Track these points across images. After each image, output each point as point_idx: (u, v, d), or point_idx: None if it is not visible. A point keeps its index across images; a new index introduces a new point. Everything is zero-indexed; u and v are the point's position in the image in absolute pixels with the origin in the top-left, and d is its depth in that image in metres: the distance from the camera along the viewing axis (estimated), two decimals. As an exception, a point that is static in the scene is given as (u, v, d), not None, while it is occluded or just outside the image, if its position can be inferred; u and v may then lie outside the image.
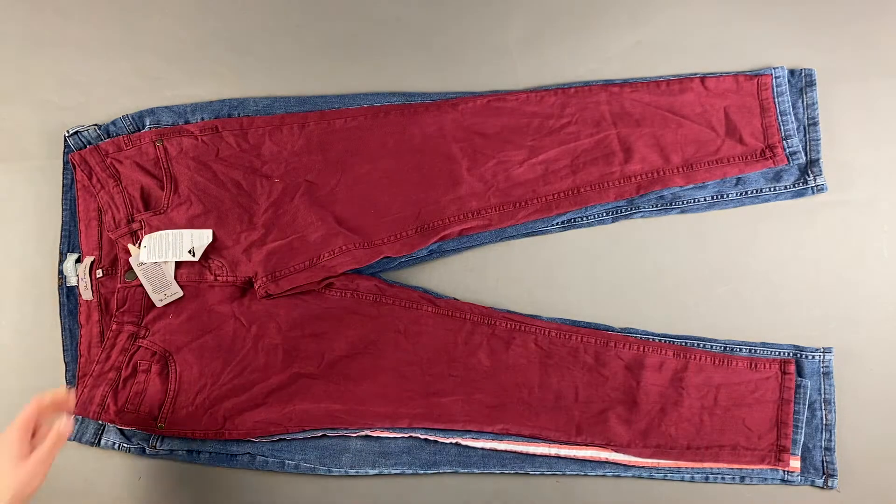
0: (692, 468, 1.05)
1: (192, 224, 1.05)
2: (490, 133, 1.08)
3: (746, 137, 1.06)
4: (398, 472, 1.06)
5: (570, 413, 1.04)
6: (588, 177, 1.07)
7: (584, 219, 1.10)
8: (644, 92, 1.08)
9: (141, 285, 1.05)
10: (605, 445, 1.04)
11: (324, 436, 1.06)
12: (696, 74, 1.08)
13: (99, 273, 1.07)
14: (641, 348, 1.06)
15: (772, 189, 1.08)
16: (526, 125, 1.08)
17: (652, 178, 1.07)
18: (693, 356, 1.05)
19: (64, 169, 1.11)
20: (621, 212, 1.10)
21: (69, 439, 1.07)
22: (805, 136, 1.08)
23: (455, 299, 1.09)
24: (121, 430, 1.08)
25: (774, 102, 1.07)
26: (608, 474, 1.06)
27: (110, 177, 1.06)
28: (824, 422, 1.05)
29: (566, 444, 1.04)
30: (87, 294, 1.06)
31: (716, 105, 1.07)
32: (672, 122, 1.07)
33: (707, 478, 1.05)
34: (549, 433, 1.04)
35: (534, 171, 1.07)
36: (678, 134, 1.07)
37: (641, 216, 1.10)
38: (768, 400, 1.04)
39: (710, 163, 1.06)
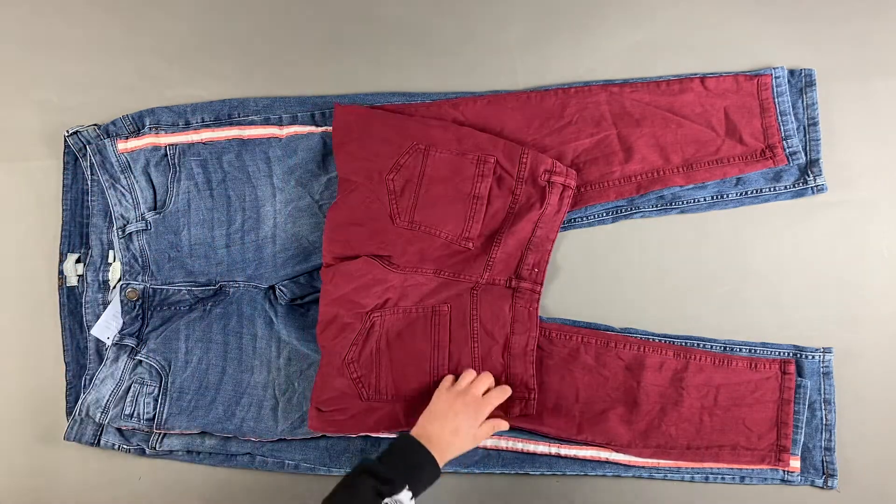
0: (692, 468, 1.05)
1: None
2: (490, 133, 1.08)
3: (746, 137, 1.06)
4: (398, 472, 1.06)
5: (571, 413, 1.04)
6: (588, 177, 1.07)
7: (584, 219, 1.10)
8: (644, 92, 1.08)
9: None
10: (605, 445, 1.04)
11: (324, 436, 1.06)
12: (696, 74, 1.08)
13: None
14: (641, 348, 1.06)
15: (772, 189, 1.08)
16: (526, 126, 1.08)
17: (652, 178, 1.07)
18: (693, 356, 1.05)
19: (64, 169, 1.12)
20: (621, 212, 1.10)
21: (66, 439, 1.08)
22: (805, 136, 1.08)
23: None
24: (120, 431, 1.08)
25: (774, 102, 1.07)
26: (608, 474, 1.05)
27: None
28: (824, 422, 1.05)
29: (567, 442, 1.04)
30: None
31: (716, 105, 1.07)
32: (672, 122, 1.07)
33: (707, 478, 1.05)
34: (550, 432, 1.04)
35: (534, 171, 1.07)
36: (678, 134, 1.07)
37: (641, 216, 1.10)
38: (768, 400, 1.04)
39: (710, 163, 1.06)
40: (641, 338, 1.07)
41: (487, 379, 1.00)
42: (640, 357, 1.05)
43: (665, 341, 1.07)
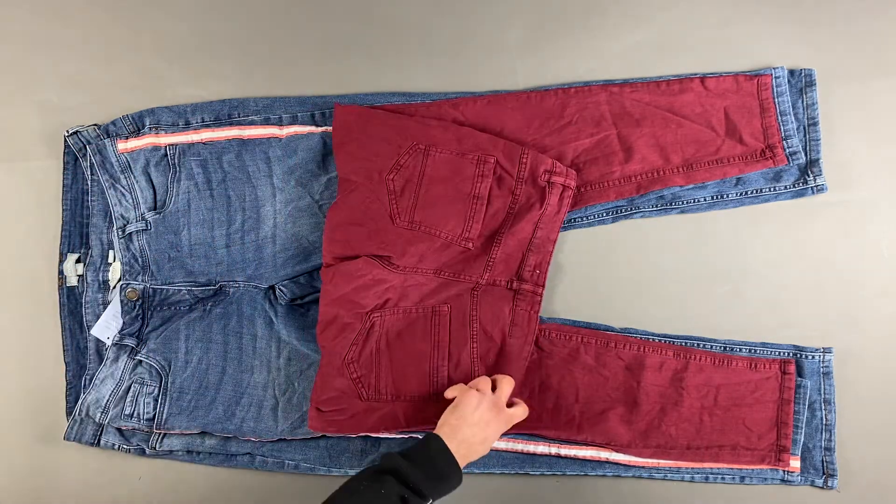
0: (692, 468, 1.05)
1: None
2: (490, 133, 1.08)
3: (746, 137, 1.06)
4: (398, 472, 1.06)
5: (571, 413, 1.04)
6: (588, 177, 1.07)
7: (584, 219, 1.10)
8: (644, 92, 1.08)
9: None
10: (605, 445, 1.04)
11: (324, 436, 1.06)
12: (696, 74, 1.08)
13: None
14: (641, 348, 1.06)
15: (772, 189, 1.08)
16: (526, 126, 1.08)
17: (652, 178, 1.07)
18: (693, 356, 1.05)
19: (64, 169, 1.12)
20: (621, 212, 1.10)
21: (66, 439, 1.08)
22: (805, 136, 1.08)
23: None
24: (120, 431, 1.08)
25: (774, 102, 1.07)
26: (608, 474, 1.05)
27: None
28: (824, 422, 1.05)
29: (567, 442, 1.04)
30: None
31: (716, 105, 1.07)
32: (672, 122, 1.07)
33: (707, 478, 1.05)
34: (550, 433, 1.04)
35: (534, 171, 1.07)
36: (678, 134, 1.07)
37: (641, 216, 1.10)
38: (768, 400, 1.04)
39: (710, 163, 1.06)
40: (641, 338, 1.07)
41: (510, 386, 0.98)
42: (640, 357, 1.05)
43: (665, 341, 1.07)
